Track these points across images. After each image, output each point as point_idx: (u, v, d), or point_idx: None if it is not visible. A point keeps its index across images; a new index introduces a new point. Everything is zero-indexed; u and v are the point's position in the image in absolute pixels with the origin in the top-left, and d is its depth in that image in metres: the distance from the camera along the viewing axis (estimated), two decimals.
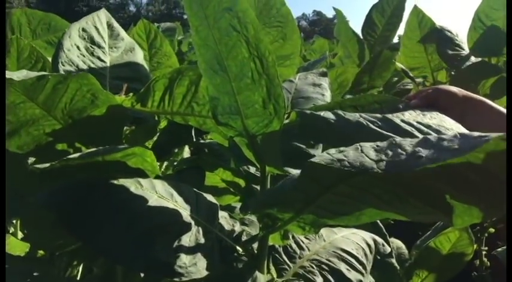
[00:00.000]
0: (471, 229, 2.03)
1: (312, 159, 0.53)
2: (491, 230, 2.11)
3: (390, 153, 0.50)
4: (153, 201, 0.74)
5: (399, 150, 0.50)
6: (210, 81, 0.75)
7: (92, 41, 1.19)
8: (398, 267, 1.40)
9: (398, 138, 0.53)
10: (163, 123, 1.36)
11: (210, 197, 0.86)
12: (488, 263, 2.08)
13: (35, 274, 0.99)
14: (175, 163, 1.61)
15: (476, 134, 0.46)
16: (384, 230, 1.37)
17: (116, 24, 1.29)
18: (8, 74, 0.76)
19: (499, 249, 1.55)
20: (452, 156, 0.44)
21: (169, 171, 1.57)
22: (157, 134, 1.30)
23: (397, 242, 1.54)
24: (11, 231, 1.22)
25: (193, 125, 1.07)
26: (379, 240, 1.03)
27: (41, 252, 1.23)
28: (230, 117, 0.79)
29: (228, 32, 0.70)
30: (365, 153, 0.51)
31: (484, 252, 2.09)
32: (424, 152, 0.47)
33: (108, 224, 0.70)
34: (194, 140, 1.30)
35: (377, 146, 0.53)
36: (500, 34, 2.12)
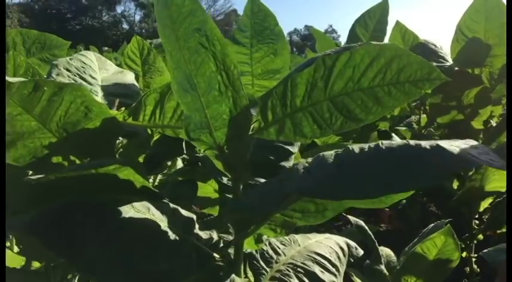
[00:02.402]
0: (460, 236, 2.07)
1: None
2: (480, 237, 2.15)
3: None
4: (131, 214, 0.78)
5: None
6: (182, 101, 0.81)
7: (83, 63, 1.23)
8: (387, 274, 1.44)
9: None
10: (156, 137, 1.40)
11: (186, 211, 0.90)
12: (478, 270, 2.11)
13: None
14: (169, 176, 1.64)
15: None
16: (373, 237, 1.41)
17: (102, 57, 1.36)
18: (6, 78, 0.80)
19: (485, 250, 1.57)
20: None
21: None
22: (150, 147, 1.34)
23: (386, 250, 1.57)
24: (7, 245, 1.24)
25: (183, 137, 1.11)
26: (352, 243, 1.08)
27: (36, 265, 1.25)
28: (201, 132, 0.84)
29: (197, 49, 0.76)
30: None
31: (473, 259, 2.12)
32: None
33: (88, 242, 0.75)
34: (185, 152, 1.33)
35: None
36: (481, 45, 2.18)
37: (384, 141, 0.70)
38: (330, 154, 0.72)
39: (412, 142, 0.67)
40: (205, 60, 0.77)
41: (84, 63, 1.25)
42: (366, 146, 0.70)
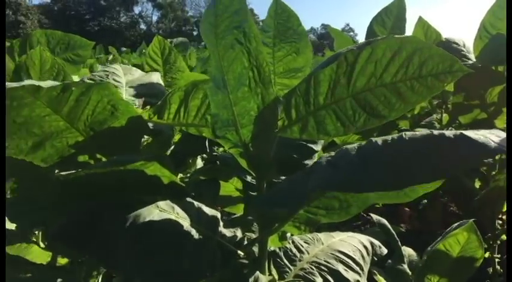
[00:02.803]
0: (483, 237, 2.04)
1: None
2: (504, 237, 2.11)
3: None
4: (155, 215, 0.80)
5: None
6: (212, 99, 0.82)
7: (105, 71, 1.26)
8: (410, 273, 1.42)
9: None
10: (177, 136, 1.41)
11: (210, 209, 0.91)
12: (502, 270, 2.08)
13: None
14: (188, 174, 1.66)
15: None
16: (396, 236, 1.39)
17: (128, 66, 1.39)
18: (36, 82, 0.81)
19: None
20: None
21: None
22: (173, 145, 1.35)
23: (408, 250, 1.56)
24: (34, 240, 1.26)
25: (207, 136, 1.12)
26: (376, 242, 1.08)
27: (62, 261, 1.27)
28: (227, 130, 0.85)
29: (232, 45, 0.77)
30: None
31: (496, 260, 2.09)
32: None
33: (116, 242, 0.77)
34: (208, 150, 1.34)
35: None
36: (505, 42, 2.14)
37: (407, 133, 0.69)
38: (353, 147, 0.71)
39: (436, 132, 0.67)
40: (238, 55, 0.78)
41: (107, 71, 1.27)
42: (389, 137, 0.70)
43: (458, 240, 1.37)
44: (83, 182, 0.84)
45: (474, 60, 2.26)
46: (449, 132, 0.66)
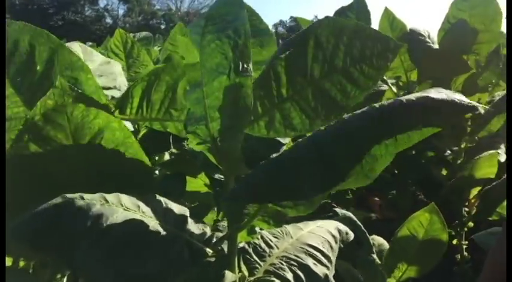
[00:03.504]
0: (450, 224, 2.08)
1: None
2: (470, 224, 2.16)
3: None
4: (119, 214, 0.77)
5: None
6: (190, 97, 0.84)
7: None
8: (380, 263, 1.43)
9: None
10: (142, 132, 1.38)
11: (178, 206, 0.89)
12: (469, 257, 2.13)
13: None
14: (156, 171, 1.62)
15: None
16: (363, 228, 1.40)
17: (88, 48, 1.32)
18: None
19: (478, 233, 1.58)
20: None
21: None
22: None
23: (378, 239, 1.56)
24: None
25: (171, 131, 1.09)
26: (343, 228, 1.08)
27: (22, 263, 1.22)
28: (198, 125, 0.85)
29: (219, 37, 0.78)
30: None
31: (464, 247, 2.14)
32: None
33: (78, 242, 0.73)
34: (172, 147, 1.31)
35: None
36: (467, 29, 2.19)
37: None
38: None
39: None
40: (220, 46, 0.78)
41: None
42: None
43: (422, 223, 1.39)
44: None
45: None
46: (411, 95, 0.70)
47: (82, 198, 0.77)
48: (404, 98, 0.69)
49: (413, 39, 2.35)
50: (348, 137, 0.68)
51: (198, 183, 1.43)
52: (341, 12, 2.69)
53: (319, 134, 0.72)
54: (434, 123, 0.69)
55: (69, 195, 0.76)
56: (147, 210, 0.81)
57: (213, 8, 0.81)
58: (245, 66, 0.78)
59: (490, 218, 1.94)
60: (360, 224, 1.39)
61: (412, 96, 0.70)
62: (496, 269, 0.89)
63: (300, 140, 0.75)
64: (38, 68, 0.92)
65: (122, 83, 1.24)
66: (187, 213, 0.86)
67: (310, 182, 0.66)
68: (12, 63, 0.91)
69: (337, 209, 1.43)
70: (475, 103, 0.68)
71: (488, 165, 1.89)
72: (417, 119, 0.68)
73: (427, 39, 2.37)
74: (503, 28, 2.31)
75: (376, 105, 0.70)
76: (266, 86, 0.85)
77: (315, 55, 0.82)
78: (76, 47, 1.26)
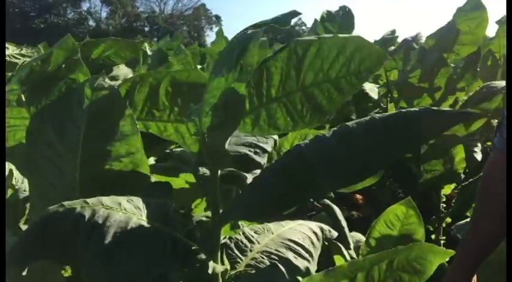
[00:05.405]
0: (428, 219, 2.13)
1: None
2: (448, 220, 2.22)
3: None
4: (101, 213, 0.78)
5: None
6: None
7: None
8: (356, 258, 1.46)
9: None
10: None
11: (159, 202, 0.91)
12: None
13: None
14: None
15: None
16: (343, 221, 1.43)
17: None
18: None
19: (457, 223, 1.61)
20: None
21: None
22: None
23: (356, 235, 1.60)
24: None
25: (153, 132, 1.11)
26: (326, 227, 1.11)
27: None
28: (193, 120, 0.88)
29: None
30: None
31: (442, 242, 2.19)
32: None
33: (68, 248, 0.77)
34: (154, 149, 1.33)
35: None
36: (452, 29, 2.28)
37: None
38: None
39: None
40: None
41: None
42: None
43: (398, 216, 1.40)
44: None
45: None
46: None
47: (62, 205, 0.79)
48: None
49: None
50: None
51: (180, 182, 1.45)
52: (328, 14, 2.79)
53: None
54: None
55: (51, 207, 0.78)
56: (128, 206, 0.83)
57: None
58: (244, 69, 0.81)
59: (468, 213, 1.99)
60: (340, 216, 1.43)
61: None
62: (466, 258, 0.93)
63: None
64: None
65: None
66: (170, 209, 0.89)
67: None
68: None
69: (326, 200, 1.46)
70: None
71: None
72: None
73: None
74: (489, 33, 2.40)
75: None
76: (257, 85, 0.87)
77: (312, 63, 0.84)
78: None
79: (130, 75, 1.44)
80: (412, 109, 0.79)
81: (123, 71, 1.42)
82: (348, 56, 0.83)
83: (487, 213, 0.94)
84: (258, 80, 0.87)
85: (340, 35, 0.84)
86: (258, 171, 0.95)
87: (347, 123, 0.81)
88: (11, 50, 1.88)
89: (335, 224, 1.38)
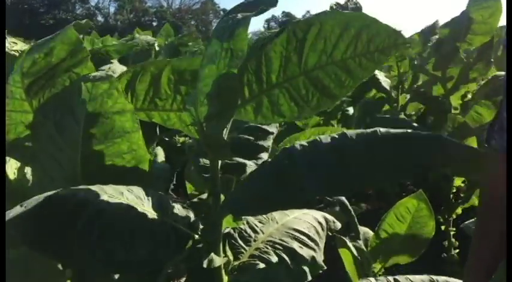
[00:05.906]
0: (438, 210, 2.10)
1: None
2: (459, 211, 2.19)
3: None
4: (104, 200, 0.77)
5: None
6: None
7: None
8: (365, 250, 1.45)
9: None
10: None
11: (159, 193, 0.90)
12: (457, 243, 2.15)
13: None
14: None
15: None
16: (353, 213, 1.42)
17: None
18: None
19: (466, 222, 1.59)
20: None
21: None
22: None
23: (364, 229, 1.58)
24: None
25: (157, 121, 1.09)
26: (330, 218, 1.09)
27: None
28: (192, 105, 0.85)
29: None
30: None
31: (452, 233, 2.16)
32: None
33: (66, 234, 0.75)
34: (157, 138, 1.32)
35: None
36: (465, 18, 2.26)
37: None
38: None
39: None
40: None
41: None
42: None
43: (409, 209, 1.39)
44: None
45: None
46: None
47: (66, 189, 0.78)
48: None
49: None
50: None
51: None
52: (337, 6, 2.75)
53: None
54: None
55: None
56: (131, 197, 0.82)
57: None
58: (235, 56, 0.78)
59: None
60: (350, 209, 1.41)
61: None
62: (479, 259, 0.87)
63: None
64: None
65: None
66: (171, 199, 0.87)
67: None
68: None
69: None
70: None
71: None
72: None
73: None
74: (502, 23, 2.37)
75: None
76: (256, 71, 0.83)
77: (314, 44, 0.80)
78: None
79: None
80: (420, 132, 0.76)
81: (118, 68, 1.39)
82: (353, 36, 0.78)
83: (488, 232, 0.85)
84: (256, 67, 0.83)
85: (342, 12, 0.79)
86: (263, 155, 0.93)
87: (347, 131, 0.78)
88: (19, 45, 1.87)
89: (345, 215, 1.36)
